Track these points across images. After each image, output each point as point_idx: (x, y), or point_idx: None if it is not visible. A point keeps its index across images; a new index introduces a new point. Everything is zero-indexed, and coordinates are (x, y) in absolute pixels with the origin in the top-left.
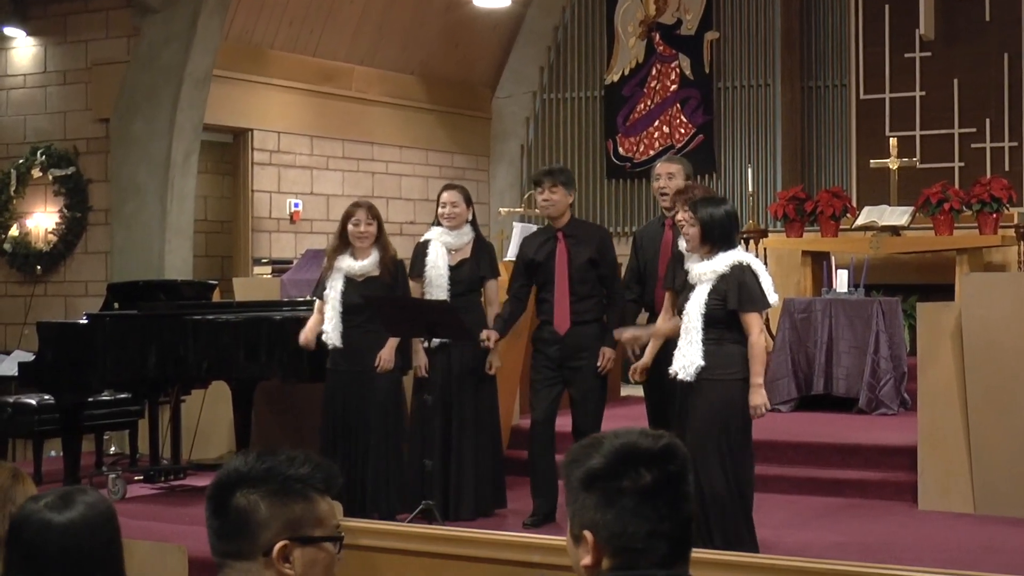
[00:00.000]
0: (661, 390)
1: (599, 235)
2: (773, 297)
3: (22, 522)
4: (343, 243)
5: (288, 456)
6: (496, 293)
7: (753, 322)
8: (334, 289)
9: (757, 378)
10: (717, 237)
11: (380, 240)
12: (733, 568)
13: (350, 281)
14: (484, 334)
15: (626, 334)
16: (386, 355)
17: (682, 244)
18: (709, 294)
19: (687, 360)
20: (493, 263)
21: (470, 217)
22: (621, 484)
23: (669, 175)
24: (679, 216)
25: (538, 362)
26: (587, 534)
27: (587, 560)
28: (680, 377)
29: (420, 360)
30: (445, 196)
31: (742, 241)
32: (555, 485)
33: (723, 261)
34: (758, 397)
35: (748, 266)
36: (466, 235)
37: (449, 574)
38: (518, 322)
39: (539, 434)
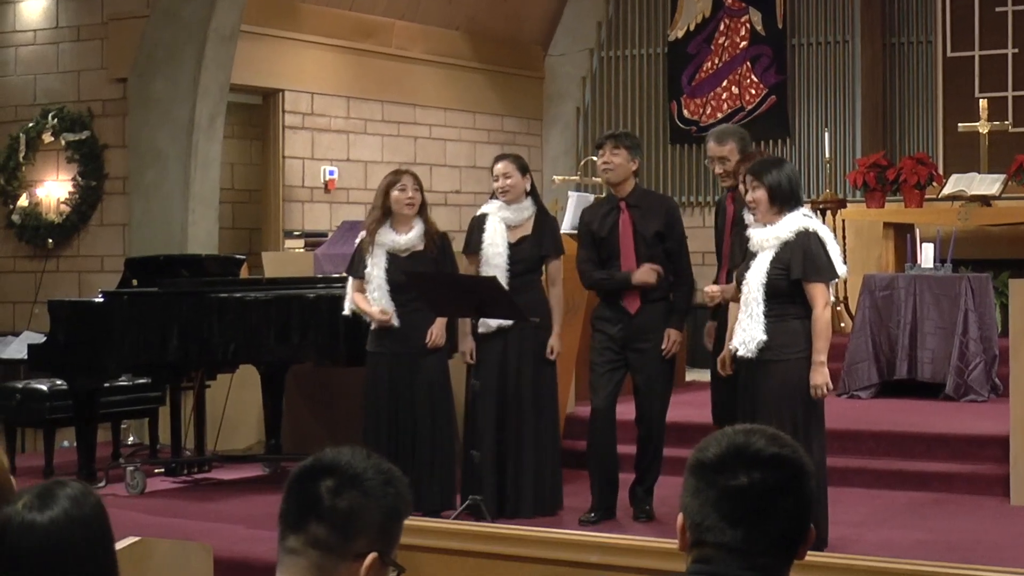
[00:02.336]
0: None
1: (666, 206)
2: (842, 268)
3: (3, 526)
4: (384, 215)
5: (397, 474)
6: (559, 272)
7: (819, 294)
8: (377, 266)
9: (820, 355)
10: (787, 198)
11: (423, 211)
12: (810, 568)
13: (393, 257)
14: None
15: (713, 287)
16: (437, 331)
17: (748, 217)
18: (771, 263)
19: (748, 335)
20: (556, 240)
21: (528, 188)
22: (717, 478)
23: (722, 159)
24: (741, 188)
25: (599, 343)
26: (680, 516)
27: (679, 543)
28: (741, 354)
29: (467, 345)
30: (497, 168)
31: (817, 211)
32: (616, 478)
33: (787, 227)
34: (819, 376)
35: (814, 233)
36: (527, 210)
37: (497, 575)
38: (574, 300)
39: (600, 422)
